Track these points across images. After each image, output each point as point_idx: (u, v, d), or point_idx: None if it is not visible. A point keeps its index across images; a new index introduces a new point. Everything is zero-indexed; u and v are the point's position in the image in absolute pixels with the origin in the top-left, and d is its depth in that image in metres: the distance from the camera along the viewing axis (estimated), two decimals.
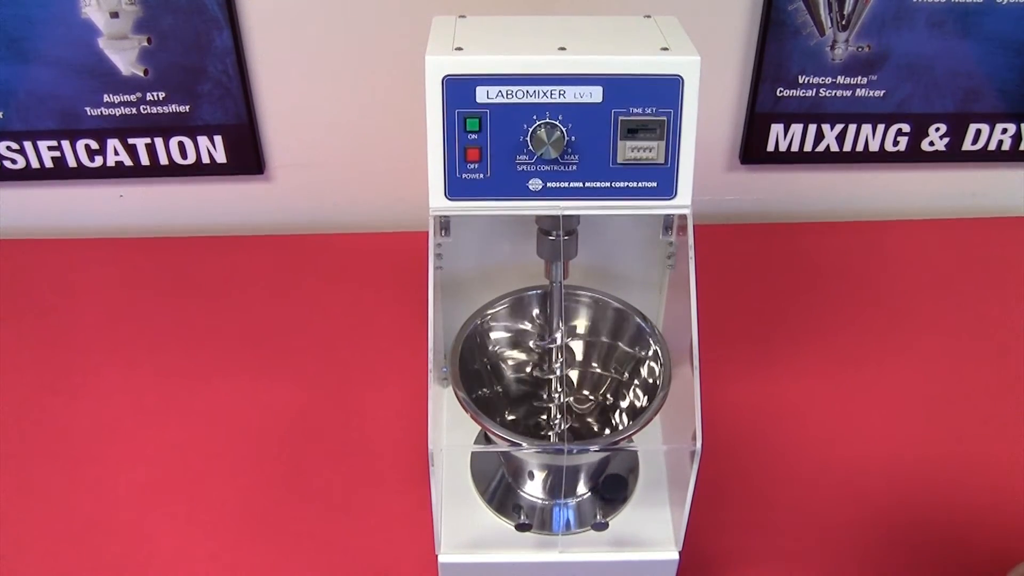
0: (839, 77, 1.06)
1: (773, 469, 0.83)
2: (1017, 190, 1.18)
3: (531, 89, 0.62)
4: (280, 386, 0.92)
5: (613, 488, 0.73)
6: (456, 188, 0.65)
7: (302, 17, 1.02)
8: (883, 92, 1.08)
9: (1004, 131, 1.12)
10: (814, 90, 1.07)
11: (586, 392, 0.79)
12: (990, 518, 0.79)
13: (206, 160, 1.10)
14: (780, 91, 1.07)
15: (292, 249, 1.11)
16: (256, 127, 1.08)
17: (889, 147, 1.13)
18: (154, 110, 1.06)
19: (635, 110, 0.63)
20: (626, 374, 0.77)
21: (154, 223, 1.16)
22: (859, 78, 1.07)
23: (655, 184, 0.65)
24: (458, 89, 0.62)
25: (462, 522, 0.73)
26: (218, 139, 1.08)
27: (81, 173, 1.10)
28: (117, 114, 1.06)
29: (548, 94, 0.62)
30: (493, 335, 0.78)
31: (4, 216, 1.15)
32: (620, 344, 0.77)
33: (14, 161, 1.09)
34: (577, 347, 0.79)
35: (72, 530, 0.78)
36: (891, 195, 1.19)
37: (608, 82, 0.62)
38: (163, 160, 1.10)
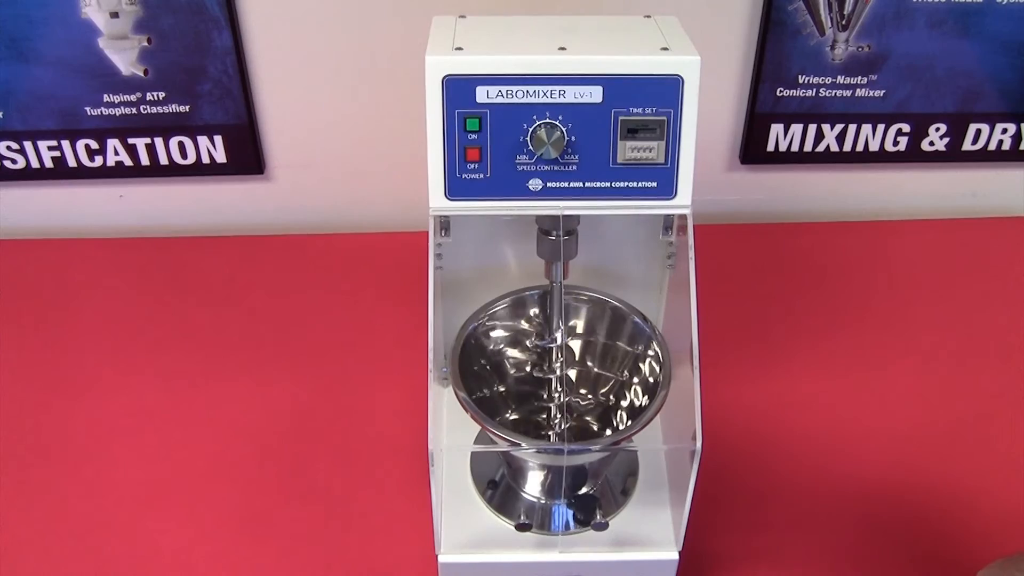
0: (839, 77, 1.06)
1: (773, 469, 0.83)
2: (1017, 190, 1.18)
3: (531, 89, 0.62)
4: (280, 386, 0.92)
5: (585, 508, 0.73)
6: (456, 188, 0.65)
7: (302, 17, 1.02)
8: (883, 92, 1.08)
9: (1004, 131, 1.12)
10: (814, 90, 1.07)
11: (586, 392, 0.79)
12: (990, 518, 0.79)
13: (206, 160, 1.10)
14: (780, 91, 1.07)
15: (292, 249, 1.11)
16: (256, 127, 1.08)
17: (889, 147, 1.13)
18: (154, 110, 1.06)
19: (635, 110, 0.63)
20: (626, 374, 0.77)
21: (154, 223, 1.16)
22: (859, 78, 1.07)
23: (655, 184, 0.65)
24: (458, 89, 0.62)
25: (462, 522, 0.73)
26: (218, 139, 1.08)
27: (81, 173, 1.10)
28: (117, 114, 1.06)
29: (548, 94, 0.62)
30: (493, 335, 0.78)
31: (4, 216, 1.15)
32: (620, 344, 0.77)
33: (14, 161, 1.09)
34: (577, 347, 0.79)
35: (72, 530, 0.78)
36: (891, 195, 1.19)
37: (608, 82, 0.62)
38: (163, 160, 1.10)
